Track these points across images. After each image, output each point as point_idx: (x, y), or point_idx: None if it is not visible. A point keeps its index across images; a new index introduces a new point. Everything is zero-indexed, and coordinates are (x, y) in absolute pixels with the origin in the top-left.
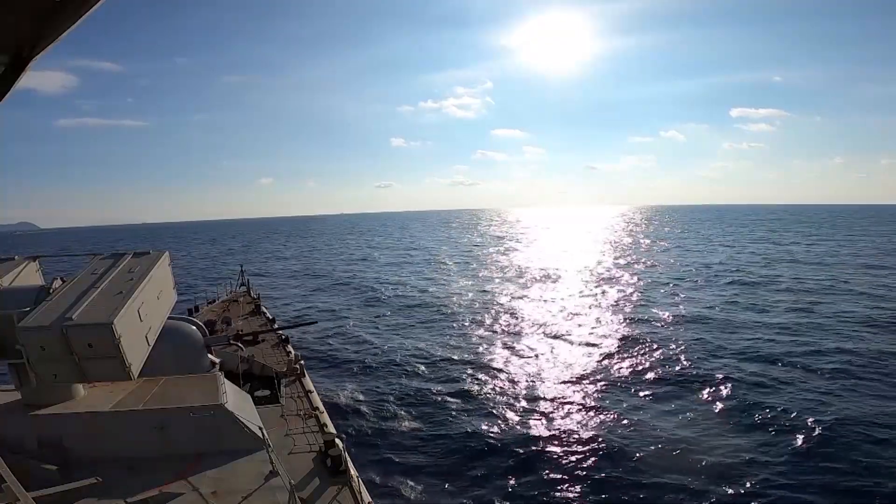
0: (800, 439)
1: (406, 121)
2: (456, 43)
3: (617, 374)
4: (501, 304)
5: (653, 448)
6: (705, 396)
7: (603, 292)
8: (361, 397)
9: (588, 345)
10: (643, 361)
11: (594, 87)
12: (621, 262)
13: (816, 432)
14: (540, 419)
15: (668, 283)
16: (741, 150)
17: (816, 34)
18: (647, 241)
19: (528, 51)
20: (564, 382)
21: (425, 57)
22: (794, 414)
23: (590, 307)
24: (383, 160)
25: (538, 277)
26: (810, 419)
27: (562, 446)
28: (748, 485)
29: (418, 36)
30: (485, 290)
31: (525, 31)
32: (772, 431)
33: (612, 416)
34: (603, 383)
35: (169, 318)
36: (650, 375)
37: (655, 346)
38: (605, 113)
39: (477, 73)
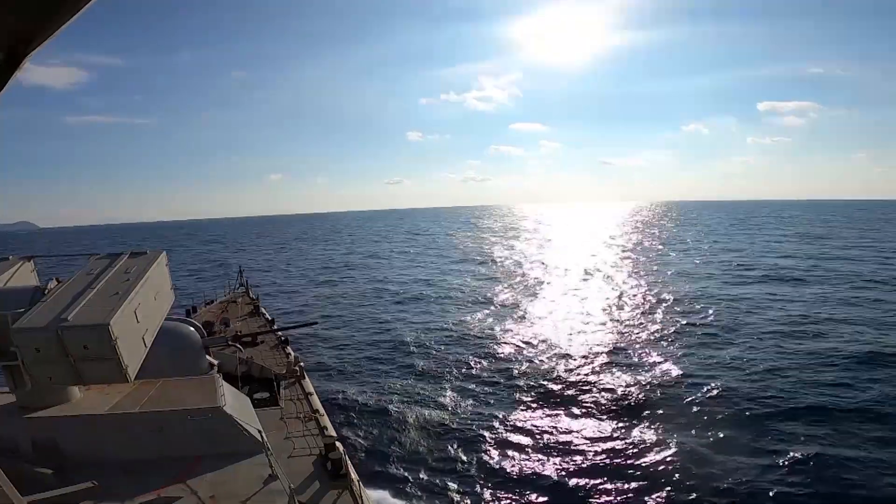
0: None
1: (424, 115)
2: (475, 36)
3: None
4: (532, 309)
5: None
6: None
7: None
8: (362, 400)
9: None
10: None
11: (616, 80)
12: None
13: None
14: (556, 426)
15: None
16: (765, 146)
17: (849, 28)
18: (725, 240)
19: (551, 44)
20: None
21: (443, 51)
22: None
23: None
24: (396, 156)
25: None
26: None
27: (571, 451)
28: None
29: (437, 29)
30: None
31: (548, 23)
32: None
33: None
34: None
35: (166, 319)
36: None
37: None
38: (624, 107)
39: (496, 67)
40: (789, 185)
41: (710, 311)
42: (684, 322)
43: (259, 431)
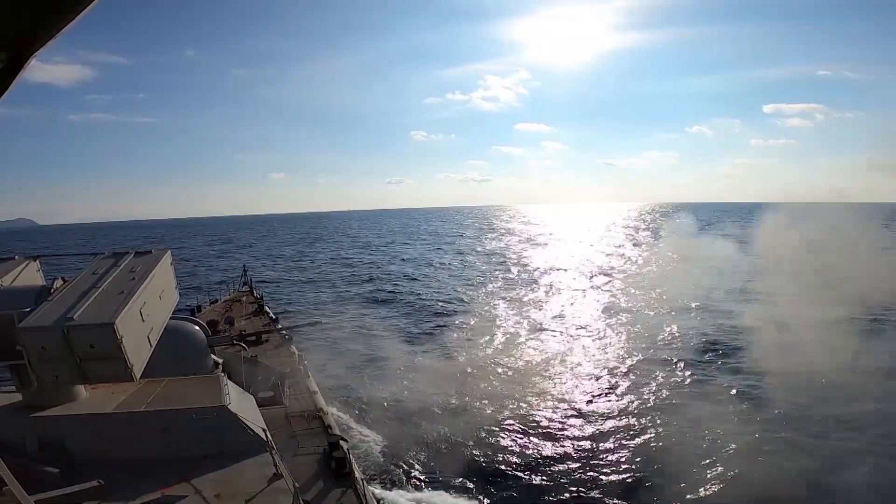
0: None
1: (428, 114)
2: (482, 35)
3: None
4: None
5: None
6: None
7: None
8: (367, 398)
9: None
10: None
11: (621, 81)
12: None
13: None
14: (558, 425)
15: None
16: (769, 147)
17: (856, 29)
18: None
19: (556, 44)
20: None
21: (450, 50)
22: None
23: None
24: (399, 156)
25: None
26: None
27: (584, 456)
28: None
29: (444, 28)
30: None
31: (553, 23)
32: None
33: None
34: None
35: (171, 318)
36: None
37: None
38: (627, 108)
39: (503, 66)
40: (791, 188)
41: None
42: None
43: (263, 430)
